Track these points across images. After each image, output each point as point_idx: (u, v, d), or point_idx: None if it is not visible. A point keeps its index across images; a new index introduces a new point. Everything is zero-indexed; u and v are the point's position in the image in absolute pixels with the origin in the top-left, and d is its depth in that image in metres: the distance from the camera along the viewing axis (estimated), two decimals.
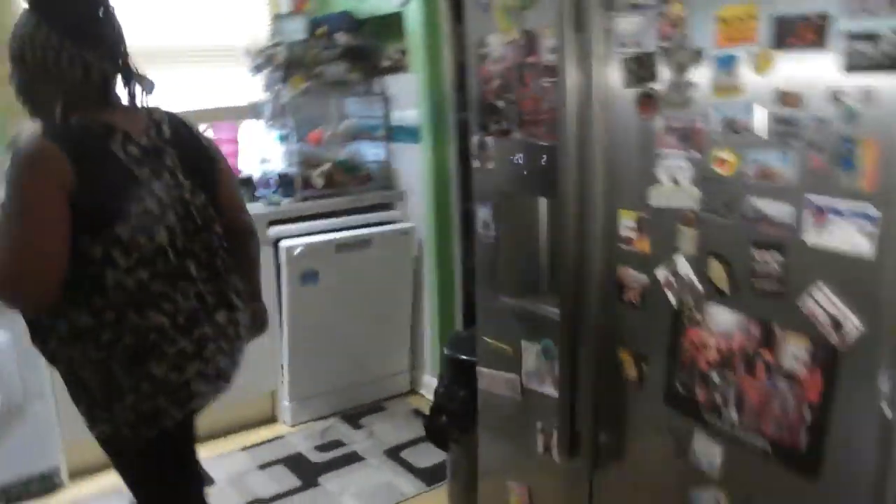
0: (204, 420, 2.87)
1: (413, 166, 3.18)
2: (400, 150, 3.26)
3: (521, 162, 1.67)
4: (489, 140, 1.75)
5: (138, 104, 1.48)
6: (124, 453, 1.52)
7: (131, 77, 1.47)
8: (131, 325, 1.38)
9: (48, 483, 2.56)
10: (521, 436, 1.78)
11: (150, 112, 1.51)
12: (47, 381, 2.52)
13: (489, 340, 1.86)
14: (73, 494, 2.59)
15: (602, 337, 1.51)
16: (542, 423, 1.73)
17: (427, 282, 3.24)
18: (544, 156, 1.59)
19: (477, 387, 1.92)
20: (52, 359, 1.44)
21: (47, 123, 1.36)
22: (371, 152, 3.36)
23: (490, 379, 1.87)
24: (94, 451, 2.57)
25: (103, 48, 1.41)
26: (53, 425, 2.56)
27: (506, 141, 1.70)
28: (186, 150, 1.52)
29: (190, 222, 1.47)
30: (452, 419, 2.12)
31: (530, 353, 1.73)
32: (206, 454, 2.81)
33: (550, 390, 1.68)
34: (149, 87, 1.50)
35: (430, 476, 2.64)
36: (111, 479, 2.58)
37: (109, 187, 1.37)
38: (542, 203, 1.77)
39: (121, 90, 1.48)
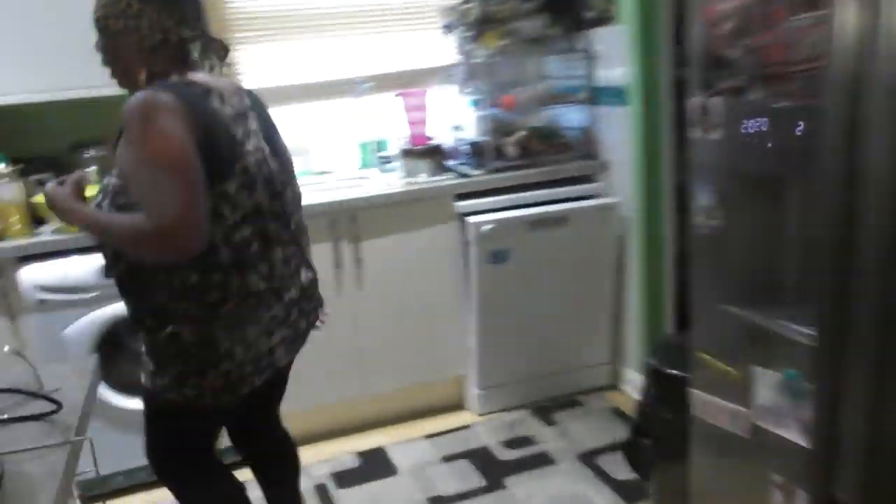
0: (389, 403, 2.78)
1: (619, 133, 2.77)
2: (604, 114, 2.87)
3: (761, 130, 1.24)
4: (715, 102, 1.34)
5: (217, 70, 1.51)
6: (178, 415, 1.52)
7: (209, 43, 1.50)
8: (235, 288, 1.41)
9: None
10: (749, 485, 1.39)
11: (228, 77, 1.53)
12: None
13: (707, 357, 1.47)
14: None
15: (880, 372, 1.07)
16: (781, 475, 1.32)
17: (632, 266, 2.84)
18: (799, 122, 1.16)
19: (689, 411, 1.55)
20: (159, 318, 1.43)
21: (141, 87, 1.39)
22: (571, 118, 3.00)
23: (707, 406, 1.48)
24: (288, 425, 2.57)
25: (181, 14, 1.43)
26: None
27: (739, 103, 1.28)
28: (262, 117, 1.56)
29: (272, 186, 1.50)
30: (656, 444, 1.76)
31: (765, 384, 1.32)
32: (389, 439, 2.75)
33: (796, 437, 1.26)
34: (224, 53, 1.52)
35: (629, 492, 2.30)
36: (304, 453, 2.59)
37: (218, 141, 1.37)
38: (793, 186, 1.33)
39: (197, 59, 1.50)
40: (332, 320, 2.66)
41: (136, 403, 2.38)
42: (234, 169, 1.39)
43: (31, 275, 2.26)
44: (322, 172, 3.01)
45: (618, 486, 2.33)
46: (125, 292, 1.49)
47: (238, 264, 1.42)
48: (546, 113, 3.01)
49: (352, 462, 2.62)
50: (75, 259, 2.31)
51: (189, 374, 1.43)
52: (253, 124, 1.50)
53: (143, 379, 1.52)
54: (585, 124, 2.94)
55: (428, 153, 2.81)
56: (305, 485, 2.47)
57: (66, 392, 1.13)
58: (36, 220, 2.44)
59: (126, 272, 1.45)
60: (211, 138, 1.35)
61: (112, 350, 2.41)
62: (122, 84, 1.49)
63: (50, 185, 1.48)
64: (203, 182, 1.30)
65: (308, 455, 2.66)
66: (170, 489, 1.68)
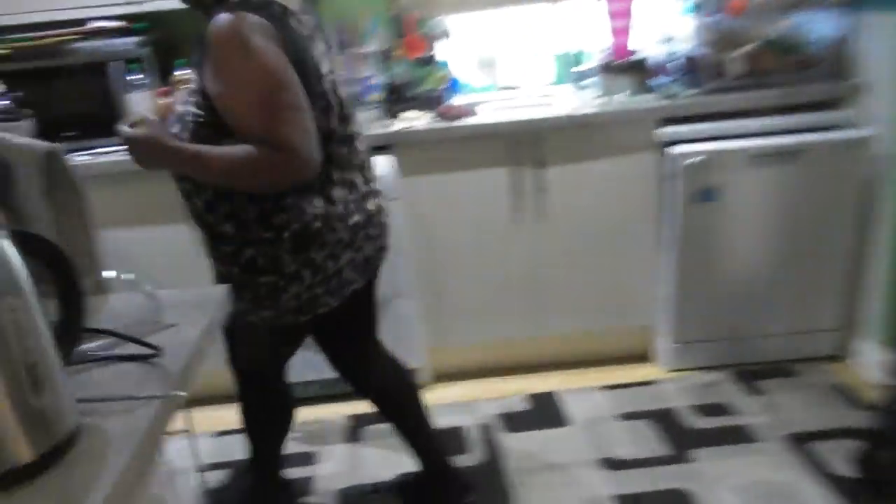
0: (565, 345, 2.53)
1: (885, 48, 2.18)
2: (867, 23, 2.27)
3: None
4: None
5: None
6: (258, 333, 1.58)
7: None
8: (300, 211, 1.41)
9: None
10: None
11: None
12: (412, 282, 2.43)
13: None
14: (435, 395, 2.51)
15: None
16: None
17: (882, 216, 2.28)
18: None
19: None
20: (234, 246, 1.44)
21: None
22: (819, 27, 2.41)
23: None
24: (454, 358, 2.42)
25: None
26: (416, 326, 2.47)
27: None
28: (323, 39, 1.51)
29: (343, 110, 1.48)
30: None
31: None
32: (563, 385, 2.52)
33: None
34: None
35: (852, 492, 1.88)
36: (472, 388, 2.49)
37: (303, 63, 1.33)
38: None
39: None
40: (508, 251, 2.46)
41: None
42: (315, 91, 1.35)
43: None
44: (508, 88, 2.73)
45: (838, 483, 1.92)
46: (203, 223, 1.47)
47: (306, 188, 1.41)
48: (786, 20, 2.45)
49: (521, 404, 2.43)
50: None
51: (264, 298, 1.47)
52: (321, 46, 1.45)
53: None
54: (838, 35, 2.35)
55: (631, 68, 2.42)
56: (469, 421, 2.34)
57: (181, 330, 1.00)
58: None
59: (205, 204, 1.43)
60: (297, 60, 1.31)
61: None
62: (195, 6, 1.42)
63: (127, 129, 1.35)
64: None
65: (476, 390, 2.52)
66: (238, 386, 1.78)
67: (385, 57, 2.63)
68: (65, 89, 2.35)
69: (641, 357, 2.64)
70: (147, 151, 1.33)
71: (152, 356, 0.91)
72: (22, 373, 0.68)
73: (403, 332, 2.46)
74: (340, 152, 1.47)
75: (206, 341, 1.00)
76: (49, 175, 1.14)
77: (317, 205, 1.43)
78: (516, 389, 2.52)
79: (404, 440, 1.88)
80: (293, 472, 2.18)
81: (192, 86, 1.37)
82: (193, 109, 1.35)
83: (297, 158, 1.27)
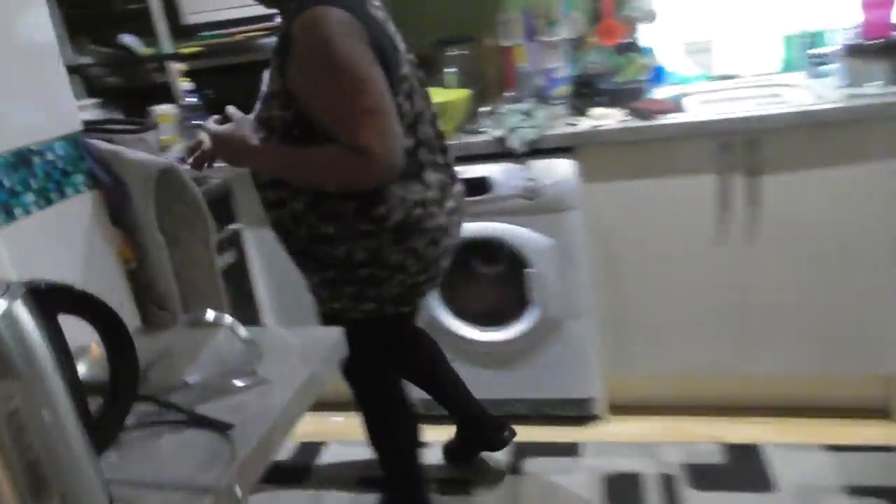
0: (777, 388, 2.09)
1: None
2: None
3: None
4: None
5: None
6: (359, 330, 1.44)
7: None
8: (399, 199, 1.38)
9: (583, 410, 2.25)
10: None
11: None
12: (591, 302, 2.14)
13: None
14: (608, 431, 2.22)
15: None
16: None
17: None
18: None
19: None
20: (331, 244, 1.41)
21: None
22: None
23: None
24: (635, 390, 2.10)
25: None
26: (592, 351, 2.19)
27: None
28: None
29: (425, 92, 1.48)
30: None
31: None
32: (767, 436, 2.07)
33: None
34: None
35: None
36: (653, 427, 2.16)
37: (386, 52, 1.31)
38: None
39: None
40: (709, 273, 2.06)
41: (482, 335, 2.19)
42: (398, 77, 1.33)
43: None
44: (725, 77, 2.31)
45: None
46: (303, 227, 1.42)
47: (404, 175, 1.37)
48: None
49: (713, 455, 2.05)
50: None
51: (364, 291, 1.44)
52: (391, 27, 1.42)
53: (319, 309, 1.56)
54: None
55: (887, 51, 1.90)
56: (648, 467, 2.02)
57: (273, 391, 0.84)
58: None
59: (306, 206, 1.39)
60: (380, 49, 1.29)
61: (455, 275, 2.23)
62: (271, 5, 1.42)
63: (214, 126, 1.37)
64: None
65: (657, 430, 2.19)
66: (355, 393, 1.72)
67: (577, 45, 2.34)
68: (251, 85, 2.37)
69: (878, 412, 2.11)
70: (230, 148, 1.34)
71: (226, 428, 0.76)
72: (18, 474, 0.54)
73: (576, 357, 2.19)
74: (428, 134, 1.45)
75: (297, 408, 0.83)
76: (166, 193, 1.04)
77: (415, 191, 1.41)
78: (708, 435, 2.14)
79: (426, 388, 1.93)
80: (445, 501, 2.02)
81: (271, 88, 1.35)
82: (278, 112, 1.33)
83: (375, 164, 1.26)
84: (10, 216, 0.90)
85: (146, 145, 1.03)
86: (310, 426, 2.28)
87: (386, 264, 1.42)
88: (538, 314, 2.14)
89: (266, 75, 1.41)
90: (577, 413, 2.26)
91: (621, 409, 2.30)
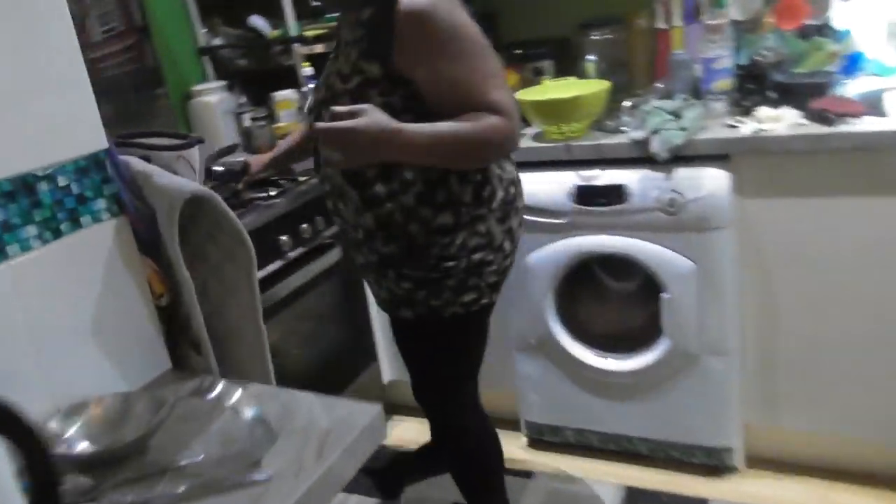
0: None
1: None
2: None
3: None
4: None
5: None
6: (454, 331, 1.45)
7: None
8: (498, 178, 1.37)
9: (715, 459, 1.93)
10: None
11: None
12: (735, 337, 1.81)
13: None
14: (743, 488, 1.89)
15: None
16: None
17: None
18: None
19: None
20: (450, 234, 1.33)
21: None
22: None
23: None
24: (779, 443, 1.92)
25: None
26: (733, 394, 1.86)
27: None
28: None
29: None
30: None
31: None
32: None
33: None
34: None
35: None
36: (799, 491, 1.82)
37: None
38: None
39: None
40: (893, 321, 1.66)
41: (603, 361, 1.94)
42: None
43: None
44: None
45: None
46: (410, 220, 1.32)
47: None
48: None
49: None
50: (547, 176, 1.88)
51: (468, 280, 1.37)
52: None
53: (408, 313, 1.42)
54: None
55: None
56: None
57: (268, 495, 0.68)
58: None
59: (417, 198, 1.31)
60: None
61: (571, 294, 1.98)
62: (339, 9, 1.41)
63: (340, 108, 1.17)
64: None
65: (804, 495, 1.87)
66: (447, 419, 1.61)
67: (748, 28, 1.96)
68: None
69: None
70: (368, 136, 1.15)
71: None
72: None
73: (713, 398, 1.87)
74: None
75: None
76: (207, 221, 0.90)
77: (507, 169, 1.41)
78: None
79: None
80: None
81: (362, 76, 1.26)
82: (379, 100, 1.23)
83: (515, 122, 1.25)
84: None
85: (186, 165, 0.89)
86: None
87: (495, 246, 1.39)
88: (671, 345, 1.85)
89: (333, 66, 1.34)
90: (708, 462, 1.94)
91: (760, 462, 1.95)
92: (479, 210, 1.34)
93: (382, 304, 1.49)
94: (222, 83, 2.26)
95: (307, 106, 1.53)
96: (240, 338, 0.93)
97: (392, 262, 1.38)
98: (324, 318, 2.04)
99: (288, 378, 1.88)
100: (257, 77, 2.29)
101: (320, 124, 1.17)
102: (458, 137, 1.22)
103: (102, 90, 2.01)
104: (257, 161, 1.75)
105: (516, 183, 1.43)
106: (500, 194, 1.37)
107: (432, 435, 1.71)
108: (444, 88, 1.23)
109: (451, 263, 1.35)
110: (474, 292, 1.40)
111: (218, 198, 0.87)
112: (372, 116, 1.15)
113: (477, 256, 1.36)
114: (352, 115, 1.14)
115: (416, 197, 1.31)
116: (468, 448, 1.63)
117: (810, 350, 1.78)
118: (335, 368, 2.08)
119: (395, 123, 1.18)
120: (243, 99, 2.25)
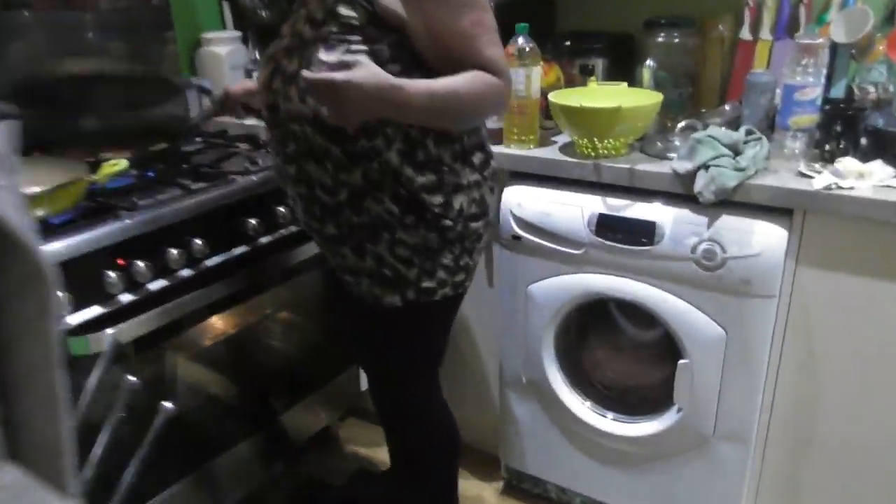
0: None
1: None
2: None
3: None
4: None
5: None
6: (435, 315, 1.40)
7: None
8: (483, 142, 1.33)
9: None
10: None
11: None
12: (758, 425, 1.51)
13: None
14: None
15: None
16: None
17: None
18: None
19: None
20: (437, 192, 1.24)
21: None
22: None
23: None
24: None
25: None
26: (746, 486, 1.57)
27: None
28: None
29: None
30: None
31: None
32: None
33: None
34: None
35: None
36: None
37: None
38: None
39: None
40: None
41: (600, 419, 1.67)
42: None
43: (516, 198, 1.64)
44: None
45: None
46: (394, 178, 1.22)
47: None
48: None
49: None
50: (567, 196, 1.59)
51: (463, 254, 1.32)
52: None
53: (395, 299, 1.31)
54: None
55: None
56: None
57: None
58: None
59: (399, 155, 1.21)
60: None
61: (576, 332, 1.71)
62: None
63: (335, 57, 1.08)
64: None
65: None
66: (404, 422, 1.54)
67: (853, 54, 1.59)
68: None
69: None
70: (364, 90, 1.06)
71: None
72: None
73: (723, 487, 1.58)
74: None
75: None
76: None
77: (484, 133, 1.35)
78: None
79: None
80: None
81: (344, 21, 1.13)
82: (365, 47, 1.12)
83: (510, 85, 1.22)
84: None
85: None
86: None
87: (485, 214, 1.34)
88: (681, 419, 1.56)
89: (301, 10, 1.20)
90: None
91: None
92: (471, 176, 1.29)
93: (362, 287, 1.33)
94: (237, 34, 2.04)
95: (266, 54, 1.31)
96: (30, 388, 0.72)
97: (387, 223, 1.24)
98: (301, 312, 1.84)
99: (262, 373, 1.72)
100: (275, 33, 2.06)
101: (308, 73, 1.06)
102: (459, 98, 1.15)
103: (99, 26, 1.81)
104: (238, 86, 1.59)
105: (489, 151, 1.39)
106: (493, 163, 1.37)
107: (390, 453, 1.62)
108: (439, 38, 1.14)
109: (448, 223, 1.27)
110: (464, 272, 1.35)
111: (7, 215, 0.65)
112: (369, 69, 1.07)
113: (475, 225, 1.32)
114: (345, 65, 1.05)
115: (399, 154, 1.22)
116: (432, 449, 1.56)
117: (845, 450, 1.46)
118: (310, 367, 1.89)
119: (392, 79, 1.09)
120: (256, 55, 2.03)
